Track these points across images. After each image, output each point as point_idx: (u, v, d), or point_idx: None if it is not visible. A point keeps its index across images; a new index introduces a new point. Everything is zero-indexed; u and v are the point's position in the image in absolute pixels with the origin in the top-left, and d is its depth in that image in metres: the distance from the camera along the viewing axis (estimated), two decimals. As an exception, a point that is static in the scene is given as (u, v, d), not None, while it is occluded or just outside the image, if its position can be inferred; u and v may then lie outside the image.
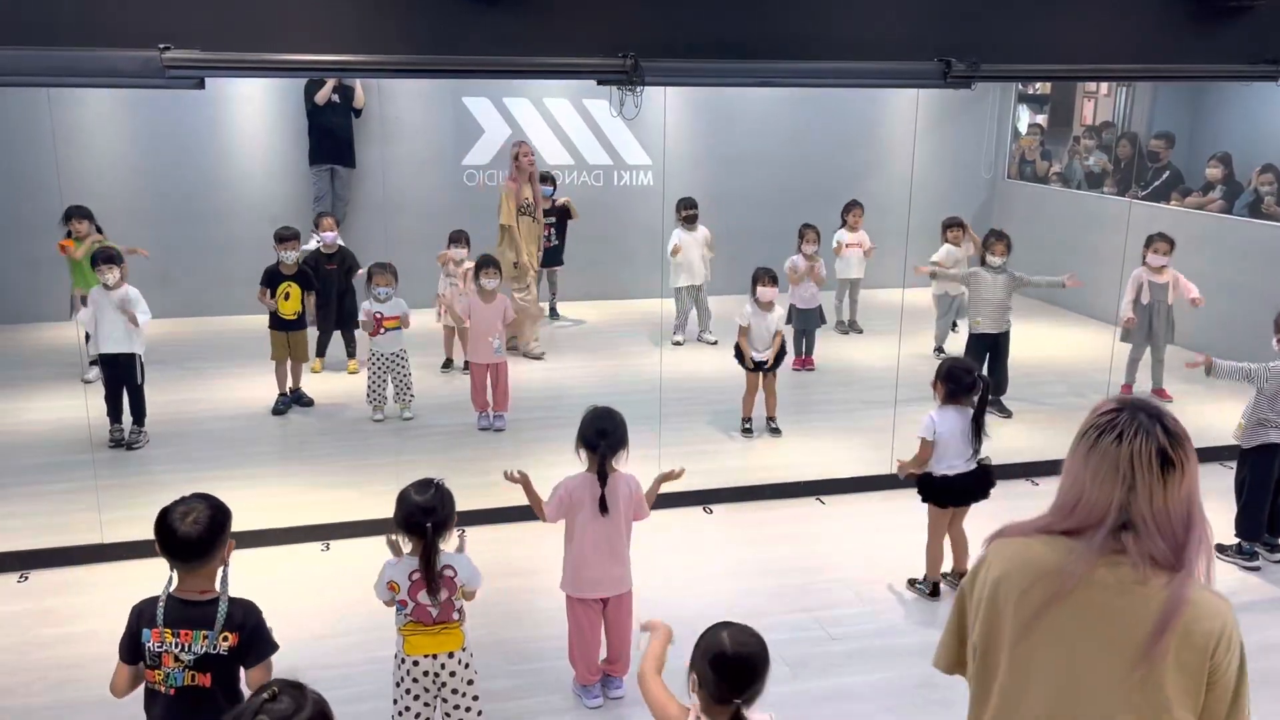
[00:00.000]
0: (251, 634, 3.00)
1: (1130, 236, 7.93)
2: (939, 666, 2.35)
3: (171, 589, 3.01)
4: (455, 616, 3.57)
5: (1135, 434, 2.03)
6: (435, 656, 3.56)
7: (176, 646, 2.94)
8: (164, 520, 2.97)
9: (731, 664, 2.56)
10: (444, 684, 3.59)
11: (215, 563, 3.01)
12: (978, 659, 2.20)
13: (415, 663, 3.57)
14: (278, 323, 7.52)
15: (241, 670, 3.03)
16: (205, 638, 2.94)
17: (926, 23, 5.42)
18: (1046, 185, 11.49)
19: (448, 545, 3.57)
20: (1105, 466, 2.04)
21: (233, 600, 3.01)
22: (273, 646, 3.06)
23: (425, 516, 3.42)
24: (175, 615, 2.97)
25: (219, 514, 3.02)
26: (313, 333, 7.98)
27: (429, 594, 3.47)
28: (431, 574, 3.45)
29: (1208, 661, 2.01)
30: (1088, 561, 2.04)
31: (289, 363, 7.60)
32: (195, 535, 2.94)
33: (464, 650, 3.62)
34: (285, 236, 7.51)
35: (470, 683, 3.64)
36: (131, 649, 3.00)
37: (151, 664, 2.98)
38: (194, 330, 9.50)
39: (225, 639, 2.95)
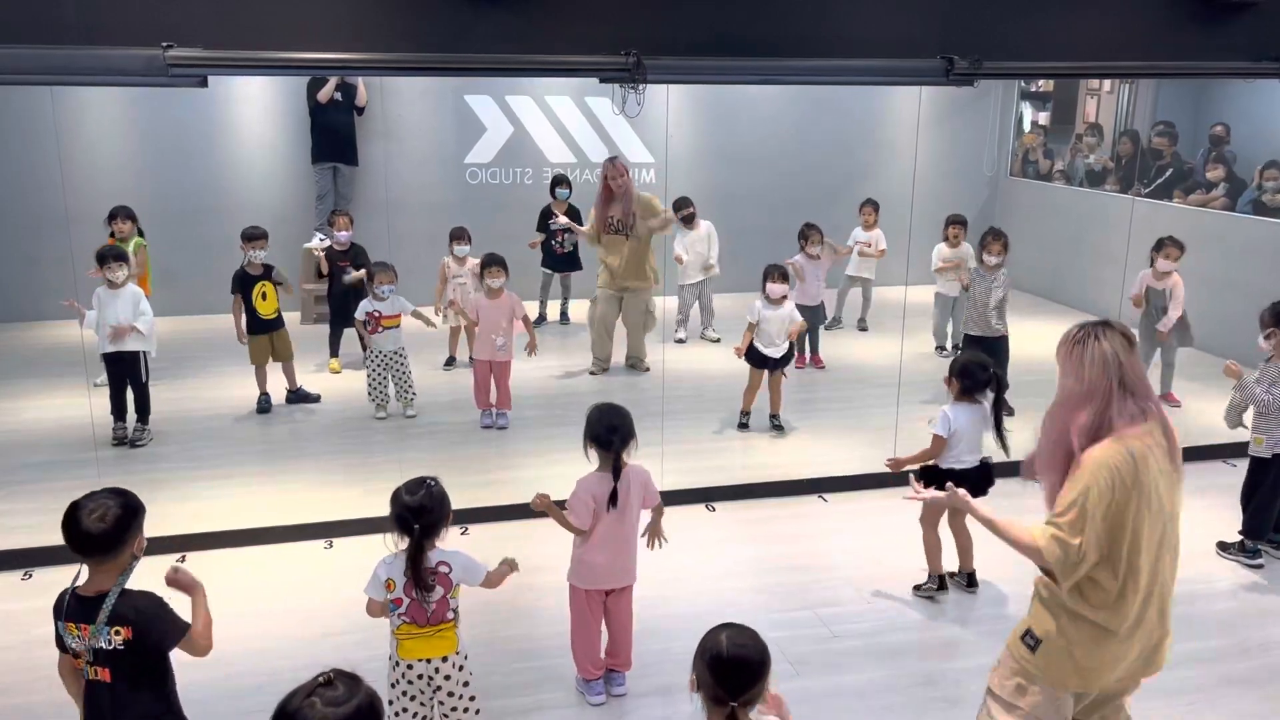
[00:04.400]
0: (148, 624, 2.92)
1: (1133, 234, 7.91)
2: (1080, 573, 2.91)
3: (78, 583, 2.96)
4: (449, 616, 3.55)
5: (1105, 334, 2.96)
6: (429, 661, 3.55)
7: (77, 641, 2.91)
8: (71, 515, 2.91)
9: (727, 666, 2.54)
10: (439, 687, 3.58)
11: (123, 559, 2.96)
12: (1109, 533, 2.90)
13: (409, 666, 3.55)
14: (256, 325, 7.38)
15: (164, 662, 2.99)
16: (97, 634, 2.89)
17: (929, 20, 5.41)
18: (1049, 183, 11.48)
19: (444, 543, 3.56)
20: (1098, 358, 2.93)
21: (123, 593, 2.93)
22: (180, 629, 2.98)
23: (414, 517, 3.42)
24: (74, 610, 2.93)
25: (128, 511, 2.96)
26: (314, 331, 7.96)
27: (419, 591, 3.47)
28: (418, 573, 3.45)
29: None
30: (1141, 437, 2.92)
31: (277, 362, 7.53)
32: (98, 531, 2.88)
33: (458, 654, 3.60)
34: (253, 235, 7.30)
35: (466, 684, 3.63)
36: (59, 639, 2.99)
37: (75, 654, 2.95)
38: (197, 328, 9.51)
39: (118, 633, 2.89)
